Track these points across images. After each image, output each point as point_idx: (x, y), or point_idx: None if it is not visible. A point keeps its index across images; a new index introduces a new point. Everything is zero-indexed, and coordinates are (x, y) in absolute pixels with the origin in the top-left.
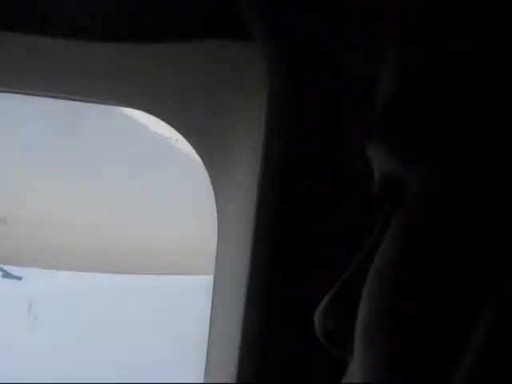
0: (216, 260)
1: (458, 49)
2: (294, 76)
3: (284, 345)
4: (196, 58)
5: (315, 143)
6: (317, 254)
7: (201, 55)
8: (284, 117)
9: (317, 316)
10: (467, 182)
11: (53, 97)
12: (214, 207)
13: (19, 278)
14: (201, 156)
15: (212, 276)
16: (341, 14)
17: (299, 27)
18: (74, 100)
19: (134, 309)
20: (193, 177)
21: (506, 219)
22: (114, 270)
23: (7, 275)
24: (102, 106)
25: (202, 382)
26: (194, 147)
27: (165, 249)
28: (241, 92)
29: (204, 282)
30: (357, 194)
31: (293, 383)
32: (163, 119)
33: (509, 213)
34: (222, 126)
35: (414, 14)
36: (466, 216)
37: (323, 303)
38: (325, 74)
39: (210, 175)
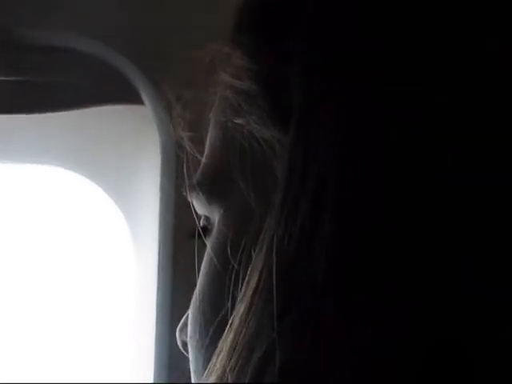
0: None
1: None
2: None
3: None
4: (99, 121)
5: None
6: None
7: (102, 118)
8: (174, 162)
9: (176, 333)
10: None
11: None
12: None
13: None
14: (112, 198)
15: None
16: None
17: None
18: (5, 163)
19: None
20: None
21: None
22: None
23: None
24: None
25: None
26: (107, 192)
27: None
28: (139, 145)
29: None
30: None
31: None
32: (81, 174)
33: None
34: (127, 172)
35: None
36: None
37: (180, 323)
38: None
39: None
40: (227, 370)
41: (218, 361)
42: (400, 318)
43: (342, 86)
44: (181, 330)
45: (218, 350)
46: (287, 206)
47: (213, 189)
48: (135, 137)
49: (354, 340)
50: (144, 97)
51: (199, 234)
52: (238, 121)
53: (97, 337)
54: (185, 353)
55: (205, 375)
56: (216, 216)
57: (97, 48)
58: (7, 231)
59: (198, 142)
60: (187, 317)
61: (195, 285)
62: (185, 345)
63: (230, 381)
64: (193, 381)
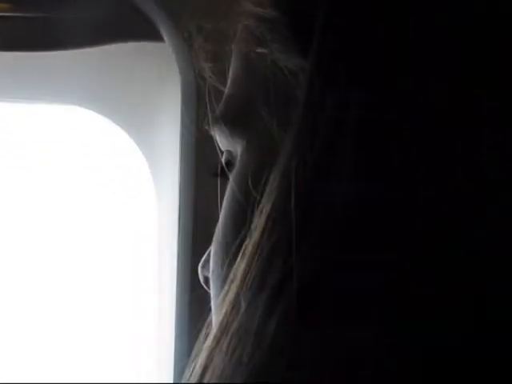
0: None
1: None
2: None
3: None
4: (120, 59)
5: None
6: None
7: (124, 56)
8: (195, 98)
9: (198, 269)
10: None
11: (4, 101)
12: None
13: None
14: (132, 137)
15: None
16: None
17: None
18: (26, 102)
19: None
20: None
21: None
22: None
23: None
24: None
25: None
26: (126, 131)
27: None
28: (160, 83)
29: None
30: None
31: None
32: (101, 113)
33: None
34: (147, 110)
35: None
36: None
37: (202, 259)
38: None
39: (143, 152)
40: (240, 296)
41: (231, 288)
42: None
43: (364, 12)
44: (203, 267)
45: (230, 278)
46: (305, 132)
47: (236, 120)
48: (155, 75)
49: (374, 265)
50: (163, 33)
51: (222, 172)
52: (261, 50)
53: (118, 284)
54: (206, 288)
55: (218, 303)
56: (239, 149)
57: None
58: (24, 173)
59: (220, 74)
60: (209, 253)
61: (217, 222)
62: (206, 281)
63: (242, 308)
64: (213, 316)
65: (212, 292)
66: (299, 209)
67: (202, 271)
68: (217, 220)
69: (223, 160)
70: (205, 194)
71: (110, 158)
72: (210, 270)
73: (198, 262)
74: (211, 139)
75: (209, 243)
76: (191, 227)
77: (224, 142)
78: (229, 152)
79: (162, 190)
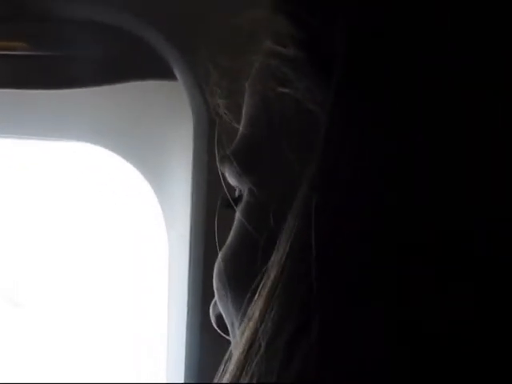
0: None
1: None
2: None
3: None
4: (132, 97)
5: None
6: None
7: (137, 94)
8: (207, 137)
9: (210, 310)
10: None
11: (17, 137)
12: None
13: None
14: (143, 174)
15: None
16: None
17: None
18: (36, 139)
19: None
20: None
21: None
22: None
23: None
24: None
25: None
26: (138, 168)
27: None
28: (171, 121)
29: None
30: None
31: None
32: (112, 150)
33: None
34: (158, 148)
35: None
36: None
37: (214, 299)
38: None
39: (154, 189)
40: (259, 335)
41: (249, 326)
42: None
43: (387, 55)
44: (214, 305)
45: (248, 315)
46: (325, 171)
47: (248, 158)
48: (167, 112)
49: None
50: (176, 71)
51: (232, 205)
52: (283, 89)
53: (131, 309)
54: (218, 329)
55: (233, 344)
56: (247, 186)
57: (127, 21)
58: (36, 208)
59: (235, 111)
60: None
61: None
62: (219, 319)
63: (262, 349)
64: (232, 347)
65: (228, 322)
66: (320, 248)
67: (214, 310)
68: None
69: (233, 195)
70: (216, 227)
71: (120, 194)
72: (219, 305)
73: (209, 300)
74: (220, 178)
75: None
76: (202, 261)
77: (233, 178)
78: (238, 189)
79: (172, 226)
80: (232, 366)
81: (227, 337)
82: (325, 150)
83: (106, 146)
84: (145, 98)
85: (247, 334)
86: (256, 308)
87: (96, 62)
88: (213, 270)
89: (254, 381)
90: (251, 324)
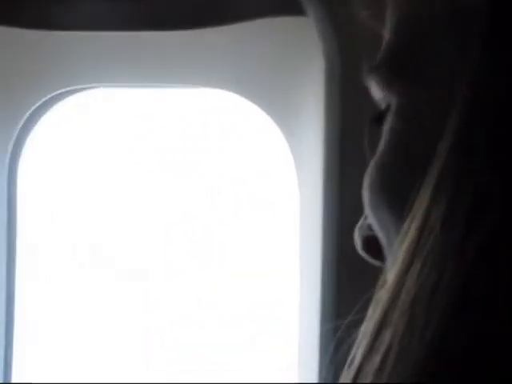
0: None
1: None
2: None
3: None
4: (261, 36)
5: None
6: None
7: (264, 33)
8: (339, 78)
9: (355, 233)
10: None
11: (145, 86)
12: None
13: None
14: (274, 119)
15: None
16: None
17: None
18: (165, 87)
19: None
20: None
21: None
22: None
23: None
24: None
25: None
26: (268, 113)
27: None
28: (302, 63)
29: None
30: None
31: None
32: (240, 94)
33: None
34: (288, 91)
35: None
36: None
37: (359, 223)
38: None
39: (285, 135)
40: (431, 220)
41: (416, 218)
42: None
43: None
44: (360, 228)
45: (413, 211)
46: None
47: (396, 65)
48: (297, 55)
49: None
50: (307, 7)
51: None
52: None
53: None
54: (363, 253)
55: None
56: (395, 99)
57: None
58: (169, 154)
59: (378, 20)
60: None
61: (363, 210)
62: (364, 243)
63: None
64: (388, 261)
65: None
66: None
67: (360, 232)
68: (363, 208)
69: (383, 107)
70: (350, 181)
71: (252, 141)
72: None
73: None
74: (357, 116)
75: (355, 221)
76: (336, 215)
77: (380, 90)
78: (383, 103)
79: (303, 175)
80: (400, 257)
81: (375, 262)
82: (485, 49)
83: (235, 91)
84: (275, 39)
85: (416, 224)
86: (423, 200)
87: (225, 1)
88: (346, 212)
89: (410, 303)
90: (419, 215)
